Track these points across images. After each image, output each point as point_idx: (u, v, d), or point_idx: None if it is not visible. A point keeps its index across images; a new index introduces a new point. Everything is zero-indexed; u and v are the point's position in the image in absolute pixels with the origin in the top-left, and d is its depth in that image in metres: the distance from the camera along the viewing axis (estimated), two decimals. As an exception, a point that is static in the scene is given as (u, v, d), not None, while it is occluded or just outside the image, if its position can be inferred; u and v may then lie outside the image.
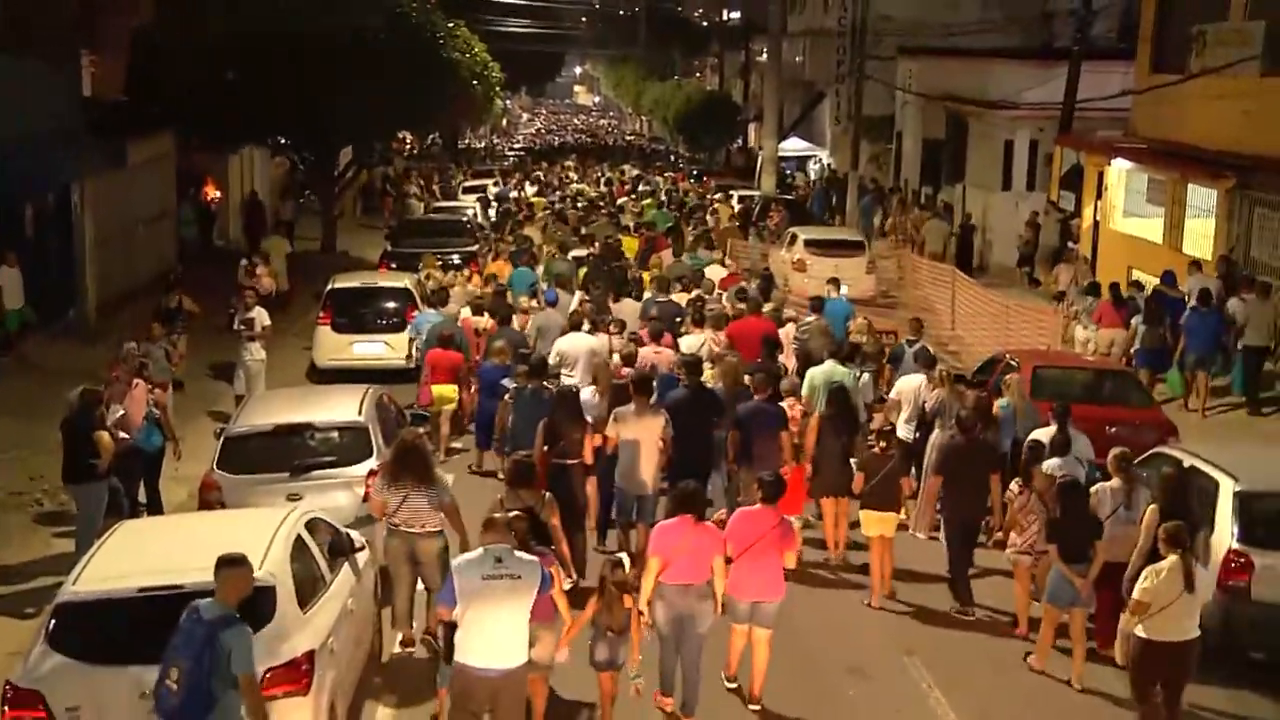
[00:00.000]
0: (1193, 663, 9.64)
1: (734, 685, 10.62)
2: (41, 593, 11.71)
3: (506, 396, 14.43)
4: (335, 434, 12.74)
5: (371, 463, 12.36)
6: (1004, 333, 22.32)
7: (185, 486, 14.70)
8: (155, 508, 14.20)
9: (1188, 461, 11.94)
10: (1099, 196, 27.41)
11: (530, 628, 8.62)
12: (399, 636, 11.15)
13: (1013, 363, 15.48)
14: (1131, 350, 19.76)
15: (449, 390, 16.76)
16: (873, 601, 12.44)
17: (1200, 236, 22.95)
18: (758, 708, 10.31)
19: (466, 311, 19.65)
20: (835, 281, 21.31)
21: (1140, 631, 9.43)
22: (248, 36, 28.02)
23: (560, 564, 10.11)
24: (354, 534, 10.57)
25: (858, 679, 11.02)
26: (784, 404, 13.51)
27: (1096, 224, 27.50)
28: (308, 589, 9.08)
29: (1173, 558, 9.33)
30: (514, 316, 18.33)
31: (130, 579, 8.55)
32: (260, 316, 18.73)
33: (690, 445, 12.78)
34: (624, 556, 9.97)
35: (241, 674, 7.50)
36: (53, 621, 8.43)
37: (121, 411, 13.45)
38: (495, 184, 44.67)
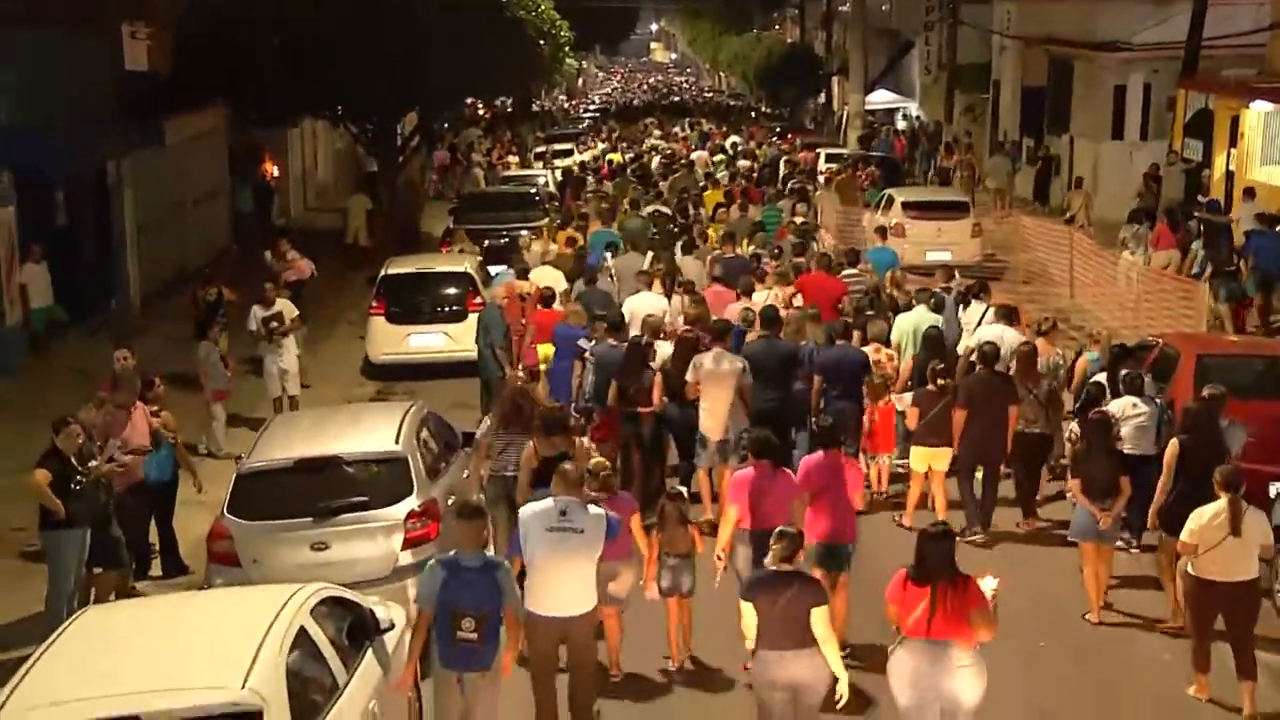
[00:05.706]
0: (1250, 603, 9.47)
1: None
2: (6, 666, 9.65)
3: (585, 354, 13.98)
4: (368, 468, 10.60)
5: (412, 501, 10.32)
6: (1137, 305, 19.72)
7: (209, 515, 12.61)
8: (169, 551, 12.34)
9: None
10: (1233, 144, 24.71)
11: (609, 565, 9.05)
12: None
13: (1170, 351, 13.05)
14: (1191, 273, 20.33)
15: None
16: (905, 521, 12.58)
17: (1360, 185, 20.41)
18: (845, 651, 9.39)
19: (510, 276, 17.91)
20: (882, 230, 21.37)
21: (1190, 570, 9.43)
22: (300, 3, 26.14)
23: None
24: (380, 610, 8.47)
25: None
26: (868, 349, 13.80)
27: (1230, 174, 24.81)
28: (310, 703, 7.06)
29: (1222, 500, 9.23)
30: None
31: (74, 709, 6.58)
32: (287, 310, 16.59)
33: (770, 397, 12.96)
34: (683, 489, 10.65)
35: (510, 605, 8.17)
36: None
37: (118, 445, 11.45)
38: (582, 147, 42.41)
